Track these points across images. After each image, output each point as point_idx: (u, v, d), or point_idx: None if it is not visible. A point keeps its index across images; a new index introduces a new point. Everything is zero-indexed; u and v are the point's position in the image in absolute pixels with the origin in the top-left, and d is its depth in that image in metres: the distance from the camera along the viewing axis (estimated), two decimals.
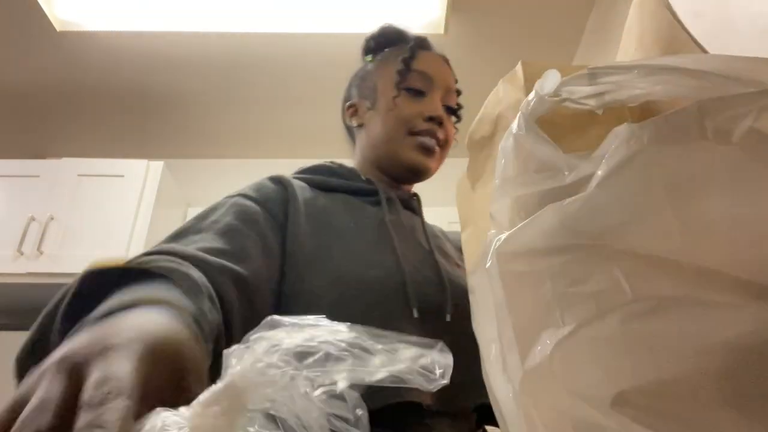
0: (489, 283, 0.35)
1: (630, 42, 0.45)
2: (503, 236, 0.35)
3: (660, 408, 0.28)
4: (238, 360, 0.31)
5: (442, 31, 2.26)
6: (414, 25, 2.26)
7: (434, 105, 0.84)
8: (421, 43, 0.92)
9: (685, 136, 0.30)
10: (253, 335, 0.33)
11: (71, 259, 2.22)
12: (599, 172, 0.31)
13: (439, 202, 2.79)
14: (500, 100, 0.49)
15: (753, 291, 0.29)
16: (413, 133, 0.83)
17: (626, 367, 0.29)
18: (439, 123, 0.84)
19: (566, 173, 0.33)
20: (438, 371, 0.30)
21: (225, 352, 0.32)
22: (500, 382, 0.36)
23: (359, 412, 0.30)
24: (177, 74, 2.54)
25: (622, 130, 0.32)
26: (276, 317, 0.34)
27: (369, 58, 0.96)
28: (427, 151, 0.83)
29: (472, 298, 0.47)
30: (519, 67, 0.47)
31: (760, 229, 0.30)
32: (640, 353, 0.29)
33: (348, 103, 0.94)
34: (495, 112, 0.49)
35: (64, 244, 2.25)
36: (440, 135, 0.85)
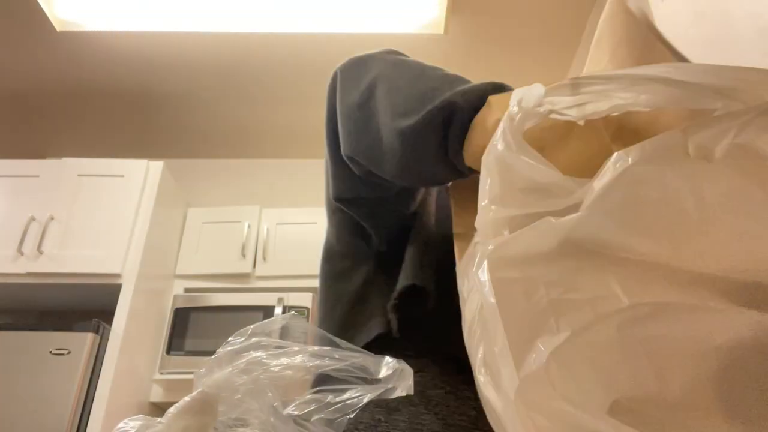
0: (479, 290, 0.35)
1: (601, 53, 0.45)
2: (497, 243, 0.35)
3: (657, 414, 0.29)
4: (209, 370, 0.32)
5: (442, 31, 2.27)
6: (414, 25, 2.26)
7: None
8: None
9: (669, 157, 0.31)
10: (225, 348, 0.34)
11: (71, 259, 2.22)
12: (589, 194, 0.32)
13: None
14: None
15: (742, 298, 0.29)
16: None
17: (623, 374, 0.30)
18: None
19: (561, 197, 0.33)
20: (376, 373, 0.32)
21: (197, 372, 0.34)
22: (491, 390, 0.35)
23: None
24: (177, 74, 2.54)
25: (612, 156, 0.33)
26: (254, 331, 0.35)
27: None
28: None
29: (462, 303, 0.46)
30: None
31: (744, 240, 0.30)
32: (636, 359, 0.29)
33: None
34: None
35: (64, 244, 2.25)
36: None
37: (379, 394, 0.34)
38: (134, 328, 2.20)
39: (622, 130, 0.37)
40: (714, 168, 0.30)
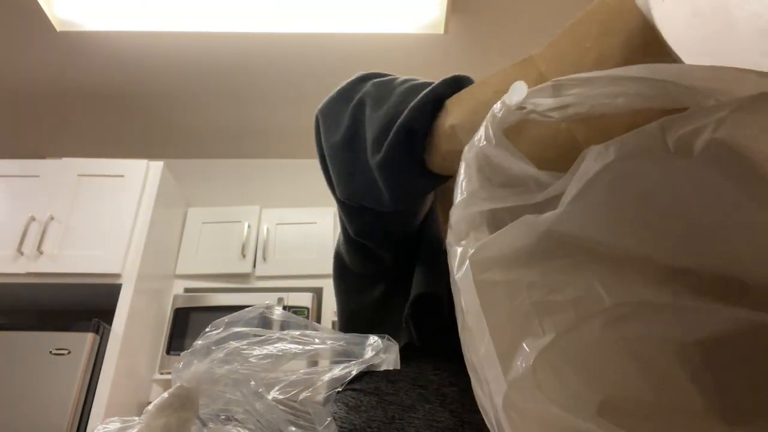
0: (463, 294, 0.35)
1: (583, 36, 0.44)
2: (478, 244, 0.35)
3: (644, 414, 0.29)
4: (187, 364, 0.32)
5: (442, 31, 2.27)
6: (414, 25, 2.26)
7: None
8: None
9: (648, 152, 0.31)
10: (202, 340, 0.33)
11: (71, 259, 2.22)
12: (570, 190, 0.32)
13: None
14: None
15: (718, 294, 0.30)
16: None
17: (609, 373, 0.30)
18: None
19: (537, 191, 0.33)
20: (370, 346, 0.32)
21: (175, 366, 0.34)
22: (481, 394, 0.36)
23: (327, 420, 0.31)
24: (177, 74, 2.54)
25: (590, 150, 0.33)
26: (226, 322, 0.35)
27: None
28: None
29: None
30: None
31: (719, 237, 0.31)
32: (621, 358, 0.30)
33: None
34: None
35: (64, 244, 2.25)
36: None
37: (366, 368, 0.33)
38: (134, 328, 2.20)
39: (586, 124, 0.37)
40: (692, 163, 0.31)
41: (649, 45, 0.38)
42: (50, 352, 1.97)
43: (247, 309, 0.36)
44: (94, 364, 2.03)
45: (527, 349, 0.31)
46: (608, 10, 0.40)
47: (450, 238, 0.37)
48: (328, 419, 0.31)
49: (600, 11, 0.41)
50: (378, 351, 0.34)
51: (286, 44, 2.37)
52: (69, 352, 1.98)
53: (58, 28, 2.25)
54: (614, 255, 0.31)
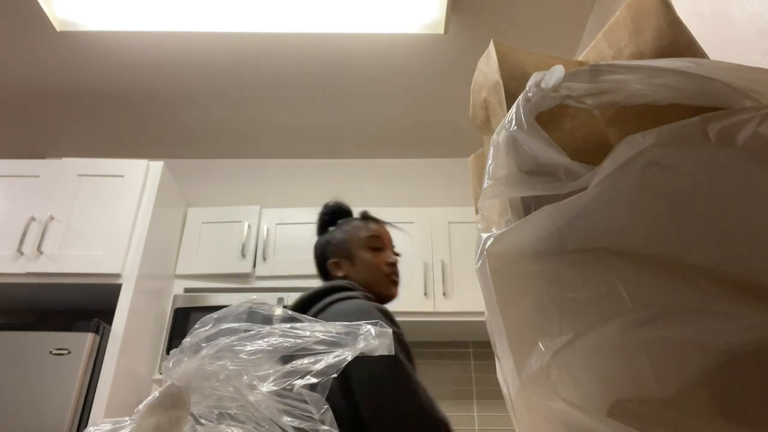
0: (481, 285, 0.35)
1: (620, 36, 0.44)
2: (494, 235, 0.34)
3: (656, 416, 0.28)
4: (177, 362, 0.31)
5: (442, 31, 2.26)
6: (414, 25, 2.26)
7: (389, 255, 1.31)
8: (370, 217, 1.37)
9: (687, 141, 0.30)
10: (192, 338, 0.33)
11: (71, 259, 2.22)
12: (601, 170, 0.31)
13: (440, 202, 2.78)
14: (482, 85, 0.49)
15: (753, 293, 0.29)
16: (385, 274, 1.27)
17: (623, 376, 0.29)
18: (394, 264, 1.32)
19: (567, 181, 0.32)
20: (364, 332, 0.32)
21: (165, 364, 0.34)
22: (504, 385, 0.35)
23: (324, 407, 0.30)
24: (177, 74, 2.54)
25: (627, 138, 0.32)
26: (215, 319, 0.35)
27: (332, 228, 1.37)
28: (395, 283, 1.28)
29: None
30: (492, 48, 0.47)
31: (761, 231, 0.29)
32: (637, 361, 0.29)
33: (332, 261, 1.31)
34: (481, 97, 0.49)
35: (64, 244, 2.25)
36: (397, 272, 1.31)
37: (361, 353, 0.33)
38: (134, 328, 2.20)
39: (622, 116, 0.36)
40: (734, 155, 0.29)
41: (678, 39, 0.38)
42: (50, 352, 1.96)
43: (235, 305, 0.36)
44: (94, 364, 2.03)
45: (542, 349, 0.30)
46: (638, 9, 0.41)
47: (478, 225, 0.37)
48: (325, 406, 0.31)
49: (631, 10, 0.42)
50: (370, 338, 0.33)
51: (286, 44, 2.37)
52: (69, 352, 1.97)
53: (58, 28, 2.24)
54: (639, 251, 0.30)
